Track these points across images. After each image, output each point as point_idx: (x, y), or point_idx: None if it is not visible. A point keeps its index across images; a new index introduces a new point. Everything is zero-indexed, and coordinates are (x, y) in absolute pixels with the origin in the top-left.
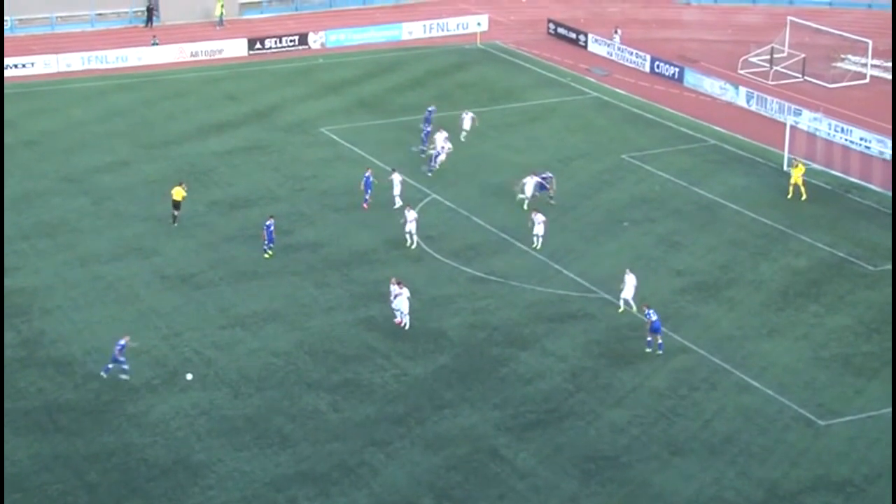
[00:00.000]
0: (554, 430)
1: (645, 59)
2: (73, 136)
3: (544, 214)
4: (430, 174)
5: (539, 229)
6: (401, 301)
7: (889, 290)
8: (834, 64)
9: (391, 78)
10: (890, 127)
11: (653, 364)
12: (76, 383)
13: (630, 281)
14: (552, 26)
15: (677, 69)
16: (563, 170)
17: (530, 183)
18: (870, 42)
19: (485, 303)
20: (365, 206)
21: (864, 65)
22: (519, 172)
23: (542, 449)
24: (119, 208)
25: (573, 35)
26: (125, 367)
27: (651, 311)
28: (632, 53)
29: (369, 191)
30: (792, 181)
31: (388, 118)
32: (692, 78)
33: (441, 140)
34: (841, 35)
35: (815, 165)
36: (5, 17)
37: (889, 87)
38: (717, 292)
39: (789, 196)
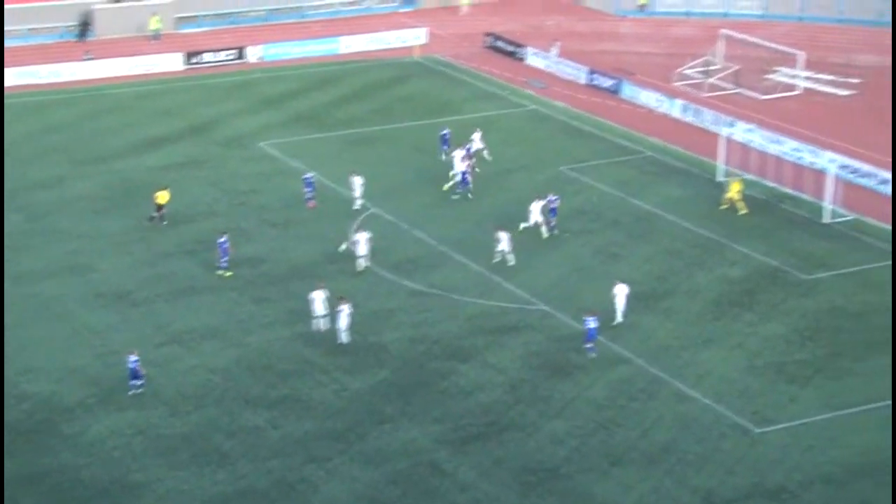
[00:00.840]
0: (494, 443)
1: (582, 72)
2: (7, 152)
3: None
4: (470, 196)
5: (505, 246)
6: (342, 317)
7: (822, 297)
8: (766, 76)
9: (330, 92)
10: (823, 137)
11: (592, 375)
12: (9, 404)
13: (622, 291)
14: (490, 39)
15: (614, 81)
16: (503, 182)
17: (536, 208)
18: (801, 54)
19: (425, 316)
20: (311, 204)
21: (796, 76)
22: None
23: (482, 462)
24: (54, 225)
25: (511, 48)
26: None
27: (591, 319)
28: (569, 66)
29: (311, 189)
30: (727, 195)
31: (328, 132)
32: (629, 90)
33: (458, 160)
34: (773, 47)
35: (749, 176)
36: None
37: (823, 98)
38: (655, 302)
39: (722, 207)
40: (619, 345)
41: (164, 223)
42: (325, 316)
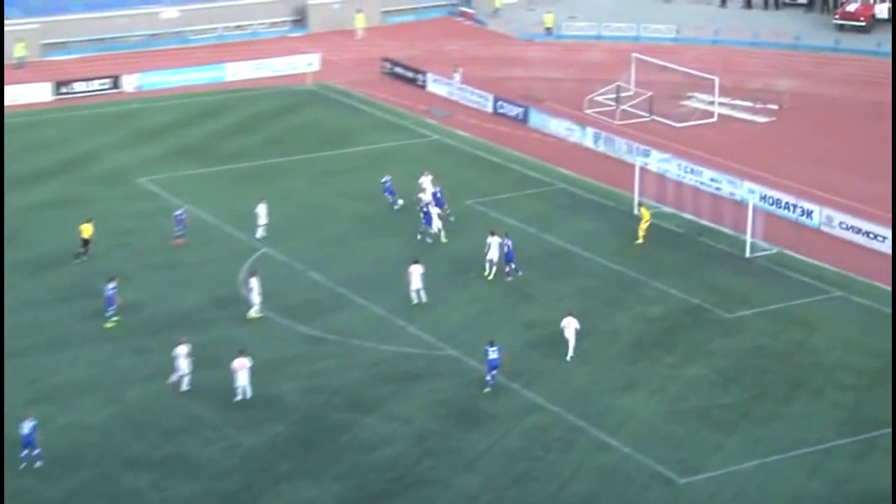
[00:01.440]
0: (401, 501)
1: (488, 100)
2: None
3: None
4: (429, 239)
5: (493, 254)
6: (240, 375)
7: (746, 336)
8: (681, 102)
9: (215, 122)
10: (741, 167)
11: (505, 424)
12: None
13: (571, 324)
14: (388, 65)
15: (522, 109)
16: (407, 219)
17: (494, 244)
18: (716, 79)
19: (323, 364)
20: (178, 241)
21: (712, 103)
22: (356, 222)
23: None
24: None
25: (410, 74)
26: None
27: (494, 349)
28: (473, 94)
29: (181, 227)
30: (642, 226)
31: (214, 166)
32: (537, 118)
33: (434, 215)
34: (687, 72)
35: (665, 208)
36: None
37: (740, 126)
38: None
39: (638, 242)
40: (534, 391)
41: (86, 259)
42: (187, 375)
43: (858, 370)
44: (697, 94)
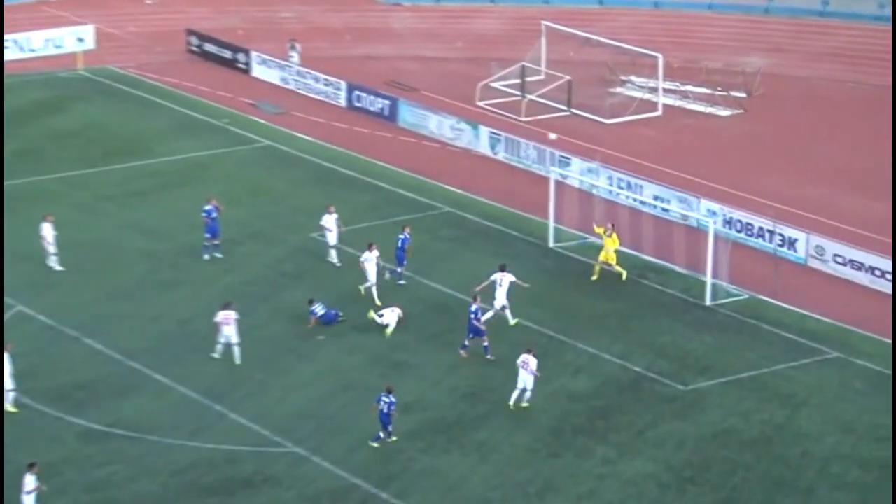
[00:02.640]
0: None
1: (340, 89)
2: None
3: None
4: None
5: (500, 295)
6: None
7: (707, 418)
8: (612, 89)
9: None
10: (696, 179)
11: None
12: None
13: (530, 363)
14: (195, 41)
15: (387, 102)
16: (225, 259)
17: (505, 284)
18: (660, 57)
19: (108, 471)
20: None
21: (654, 90)
22: (151, 267)
23: None
24: None
25: (228, 54)
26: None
27: (385, 395)
28: (319, 80)
29: None
30: (601, 258)
31: None
32: (410, 114)
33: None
34: (619, 47)
35: (593, 239)
36: None
37: (694, 121)
38: (463, 434)
39: (594, 278)
40: (411, 501)
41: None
42: None
43: (864, 461)
44: (634, 78)
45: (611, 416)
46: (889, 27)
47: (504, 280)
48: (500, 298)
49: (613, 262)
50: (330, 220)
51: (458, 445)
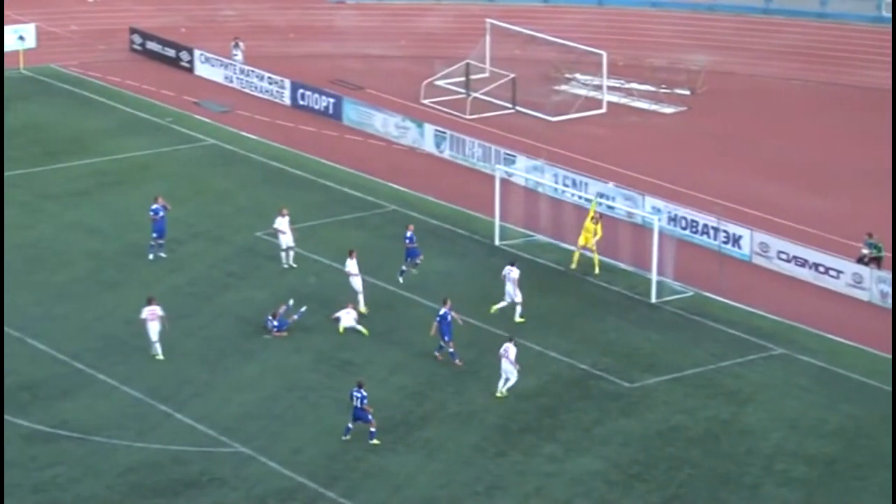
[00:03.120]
0: None
1: (284, 87)
2: None
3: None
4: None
5: (511, 289)
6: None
7: (654, 415)
8: (557, 87)
9: None
10: (641, 176)
11: None
12: None
13: (510, 352)
14: (138, 39)
15: (332, 100)
16: (170, 259)
17: (514, 277)
18: (604, 55)
19: (53, 472)
20: None
21: (599, 87)
22: (95, 266)
23: None
24: None
25: (171, 52)
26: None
27: (356, 390)
28: (263, 79)
29: None
30: (581, 242)
31: None
32: (355, 113)
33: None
34: (564, 44)
35: (539, 237)
36: None
37: (638, 118)
38: (409, 433)
39: (573, 266)
40: (358, 500)
41: None
42: None
43: (809, 457)
44: (579, 76)
45: (557, 414)
46: (835, 24)
47: (513, 274)
48: (512, 292)
49: (594, 249)
50: (283, 223)
51: (405, 444)
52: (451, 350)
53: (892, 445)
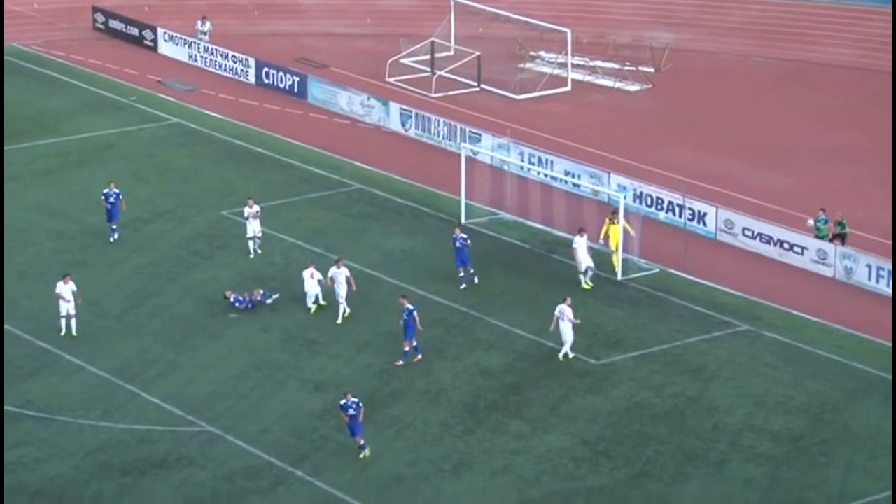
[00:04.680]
0: None
1: (248, 66)
2: None
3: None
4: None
5: (583, 257)
6: None
7: (620, 392)
8: (521, 65)
9: None
10: (606, 153)
11: None
12: None
13: (566, 313)
14: (101, 18)
15: (296, 79)
16: (134, 238)
17: (581, 246)
18: (568, 32)
19: (18, 453)
20: None
21: (563, 65)
22: (58, 246)
23: None
24: None
25: (135, 31)
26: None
27: (353, 403)
28: (227, 57)
29: None
30: (612, 245)
31: None
32: (319, 91)
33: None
34: (528, 22)
35: (505, 215)
36: None
37: (603, 96)
38: (376, 411)
39: (617, 270)
40: (325, 480)
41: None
42: None
43: (774, 433)
44: (543, 54)
45: (524, 392)
46: (799, 2)
47: (580, 242)
48: (585, 259)
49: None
50: (251, 213)
51: (372, 423)
52: (406, 349)
53: (892, 427)
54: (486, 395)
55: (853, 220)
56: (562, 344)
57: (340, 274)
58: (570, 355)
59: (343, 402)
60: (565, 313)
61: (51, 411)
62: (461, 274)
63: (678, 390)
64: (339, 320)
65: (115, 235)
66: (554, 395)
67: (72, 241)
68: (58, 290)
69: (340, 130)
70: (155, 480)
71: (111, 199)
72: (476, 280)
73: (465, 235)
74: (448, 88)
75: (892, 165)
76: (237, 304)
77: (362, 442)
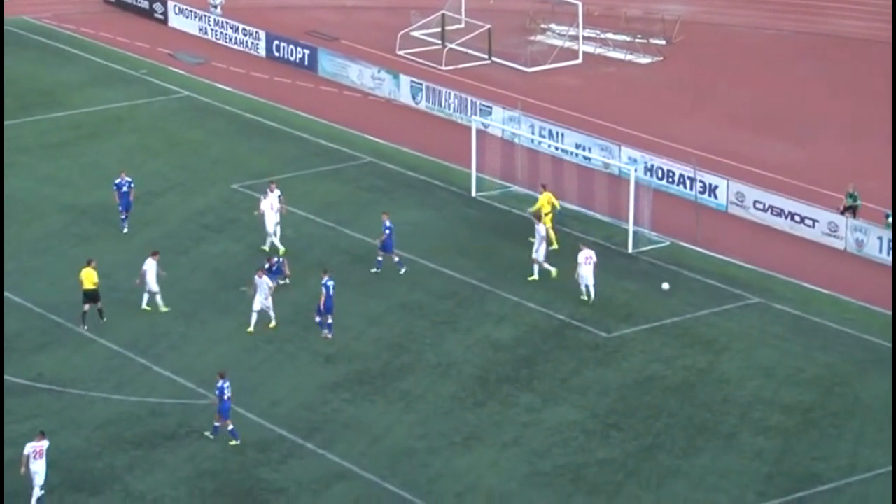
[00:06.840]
0: None
1: (259, 39)
2: None
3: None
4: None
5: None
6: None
7: (630, 364)
8: (533, 37)
9: None
10: (618, 126)
11: (296, 499)
12: None
13: (591, 259)
14: None
15: (307, 52)
16: (144, 211)
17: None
18: (579, 4)
19: (30, 425)
20: None
21: (574, 38)
22: (70, 220)
23: None
24: None
25: (145, 4)
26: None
27: (225, 385)
28: (238, 30)
29: None
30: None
31: None
32: (330, 64)
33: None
34: None
35: (516, 188)
36: None
37: (616, 69)
38: (387, 384)
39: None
40: (337, 452)
41: (104, 320)
42: None
43: (785, 405)
44: (554, 26)
45: (535, 365)
46: None
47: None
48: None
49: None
50: (270, 201)
51: (383, 396)
52: (319, 320)
53: (892, 400)
54: (496, 368)
55: (864, 193)
56: (580, 293)
57: (263, 283)
58: (594, 298)
59: (219, 383)
60: (592, 258)
61: (62, 384)
62: (379, 258)
63: (689, 363)
64: (251, 328)
65: (126, 226)
66: (564, 367)
67: (83, 214)
68: (145, 268)
69: (351, 103)
70: (166, 453)
71: (123, 189)
72: (402, 270)
73: (391, 225)
74: (459, 61)
75: (891, 137)
76: (276, 274)
77: (230, 427)
